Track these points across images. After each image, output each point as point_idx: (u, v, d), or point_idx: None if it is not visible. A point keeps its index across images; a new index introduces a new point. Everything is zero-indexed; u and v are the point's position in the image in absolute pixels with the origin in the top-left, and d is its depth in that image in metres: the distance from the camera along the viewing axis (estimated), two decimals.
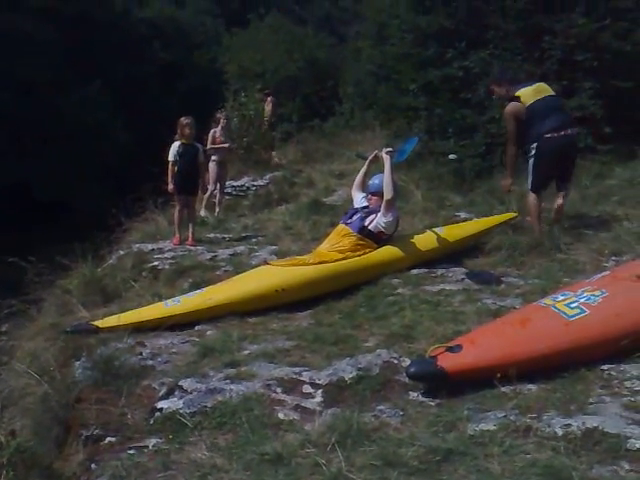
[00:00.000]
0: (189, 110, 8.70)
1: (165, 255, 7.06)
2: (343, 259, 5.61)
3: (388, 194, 5.88)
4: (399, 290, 5.50)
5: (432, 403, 3.45)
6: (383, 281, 5.81)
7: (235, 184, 11.28)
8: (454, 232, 6.37)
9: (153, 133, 12.81)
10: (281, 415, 3.41)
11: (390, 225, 5.90)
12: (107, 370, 3.95)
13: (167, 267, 6.59)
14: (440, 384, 3.50)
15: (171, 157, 7.73)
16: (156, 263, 6.72)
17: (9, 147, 17.80)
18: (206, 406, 3.48)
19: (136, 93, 23.81)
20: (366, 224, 5.84)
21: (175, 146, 7.74)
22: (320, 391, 3.67)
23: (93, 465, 3.15)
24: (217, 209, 9.76)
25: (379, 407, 3.41)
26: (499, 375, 3.46)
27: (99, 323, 4.76)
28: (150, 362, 4.26)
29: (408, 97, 10.48)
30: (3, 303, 4.81)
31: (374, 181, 6.18)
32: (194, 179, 7.87)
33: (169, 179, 7.70)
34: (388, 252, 5.86)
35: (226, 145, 9.90)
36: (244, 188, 11.24)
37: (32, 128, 18.50)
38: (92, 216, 7.82)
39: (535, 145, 6.29)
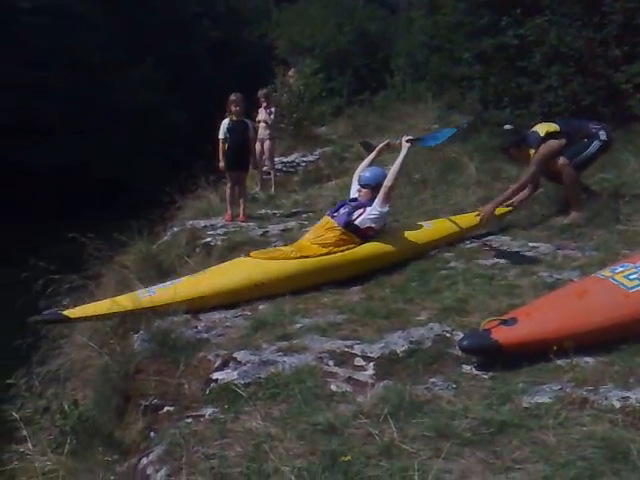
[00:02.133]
0: (240, 87, 8.72)
1: (217, 231, 7.17)
2: (326, 254, 5.27)
3: (390, 180, 5.50)
4: (452, 264, 5.43)
5: (485, 376, 3.41)
6: (435, 255, 5.76)
7: (285, 160, 11.31)
8: (446, 226, 5.97)
9: (204, 111, 12.92)
10: (333, 387, 3.43)
11: (380, 219, 5.50)
12: (164, 342, 4.06)
13: (219, 243, 6.68)
14: (494, 357, 3.45)
15: (221, 134, 7.79)
16: (209, 239, 6.83)
17: (66, 127, 18.28)
18: (260, 377, 3.53)
19: (187, 71, 24.04)
20: (353, 218, 5.45)
21: (225, 123, 7.80)
22: (372, 364, 3.68)
23: (152, 433, 3.24)
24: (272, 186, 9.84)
25: (431, 380, 3.39)
26: (555, 348, 3.39)
27: (69, 313, 4.47)
28: (205, 335, 4.34)
29: (461, 67, 10.23)
30: (64, 278, 4.97)
31: (365, 174, 5.79)
32: (244, 155, 7.92)
33: (220, 156, 7.77)
34: (373, 248, 5.47)
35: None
36: (294, 164, 11.26)
37: (88, 108, 18.94)
38: (147, 194, 7.98)
39: (604, 137, 6.04)
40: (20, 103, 17.75)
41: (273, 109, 10.06)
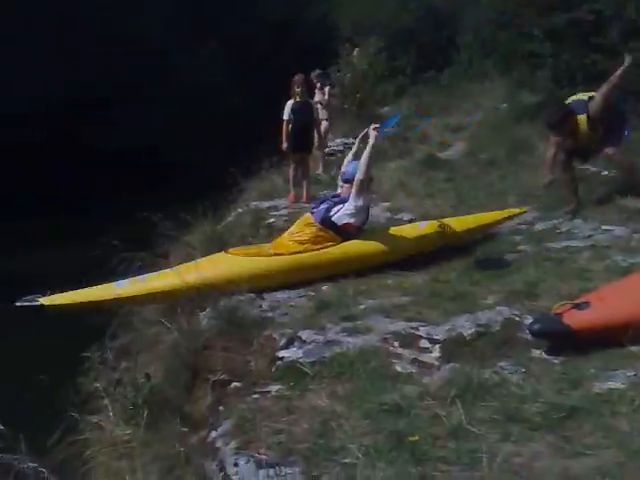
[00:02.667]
0: (300, 68, 8.70)
1: (280, 212, 7.23)
2: (300, 252, 5.03)
3: (361, 173, 5.16)
4: (521, 247, 5.31)
5: (556, 361, 3.33)
6: (503, 238, 5.64)
7: (347, 141, 11.23)
8: (442, 228, 5.50)
9: (266, 92, 12.98)
10: (398, 368, 3.41)
11: (357, 213, 5.18)
12: (231, 320, 4.13)
13: (282, 224, 6.73)
14: (565, 342, 3.36)
15: (285, 115, 7.82)
16: (272, 220, 6.91)
17: (129, 109, 18.70)
18: (325, 356, 3.55)
19: (248, 52, 24.15)
20: (331, 214, 5.18)
21: (289, 104, 7.82)
22: (438, 346, 3.64)
23: (221, 408, 3.32)
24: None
25: (500, 364, 3.33)
26: (628, 334, 3.27)
27: (44, 300, 4.34)
28: (270, 314, 4.40)
29: (532, 43, 9.89)
30: (135, 256, 5.10)
31: (347, 169, 5.51)
32: (308, 136, 7.93)
33: (284, 137, 7.80)
34: (352, 248, 5.13)
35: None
36: None
37: (151, 89, 19.31)
38: (212, 175, 8.09)
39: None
40: (86, 85, 18.25)
41: (327, 89, 10.00)
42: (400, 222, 6.48)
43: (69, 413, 3.36)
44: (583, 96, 5.98)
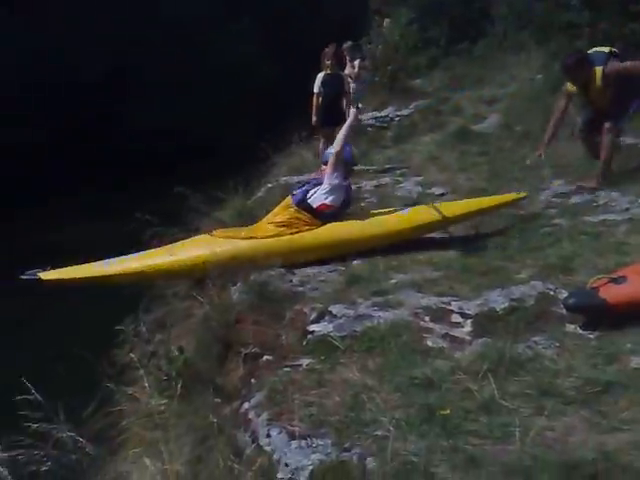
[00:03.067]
0: (333, 40, 8.60)
1: None
2: (274, 235, 4.89)
3: (336, 145, 5.01)
4: (556, 220, 5.21)
5: (591, 336, 3.27)
6: (537, 211, 5.54)
7: (378, 115, 11.11)
8: (426, 214, 5.17)
9: (297, 66, 12.88)
10: (430, 342, 3.40)
11: (332, 192, 5.00)
12: (261, 294, 4.15)
13: None
14: (600, 317, 3.30)
15: (316, 88, 7.74)
16: None
17: (162, 84, 18.76)
18: (355, 331, 3.55)
19: (279, 27, 23.98)
20: (307, 196, 5.02)
21: (319, 77, 7.74)
22: (470, 321, 3.61)
23: (252, 380, 3.35)
24: None
25: (533, 338, 3.28)
26: None
27: (43, 275, 4.54)
28: (300, 289, 4.41)
29: (569, 13, 9.59)
30: (167, 231, 5.15)
31: (329, 150, 5.34)
32: (338, 109, 7.85)
33: (314, 111, 7.74)
34: (328, 233, 4.94)
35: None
36: (387, 118, 11.03)
37: (184, 65, 19.34)
38: (242, 151, 8.11)
39: None
40: (117, 62, 18.35)
41: (357, 62, 9.86)
42: (431, 196, 6.43)
43: (105, 385, 3.43)
44: (604, 49, 5.82)
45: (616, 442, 2.35)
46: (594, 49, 5.92)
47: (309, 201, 5.02)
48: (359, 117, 5.30)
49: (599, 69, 5.67)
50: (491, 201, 5.47)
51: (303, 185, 5.27)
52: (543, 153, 6.05)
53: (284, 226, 4.94)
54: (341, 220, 5.05)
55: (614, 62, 5.66)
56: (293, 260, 4.78)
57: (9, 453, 2.21)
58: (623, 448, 2.32)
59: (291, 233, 4.92)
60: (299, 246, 4.86)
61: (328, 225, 4.98)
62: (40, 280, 4.55)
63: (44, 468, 2.26)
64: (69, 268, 4.68)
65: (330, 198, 5.01)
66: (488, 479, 2.21)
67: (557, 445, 2.37)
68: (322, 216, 5.00)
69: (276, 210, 5.13)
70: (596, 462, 2.21)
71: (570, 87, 5.95)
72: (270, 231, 4.94)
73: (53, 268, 4.62)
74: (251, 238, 4.89)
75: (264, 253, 4.70)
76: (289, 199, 5.12)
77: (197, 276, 4.73)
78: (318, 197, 5.01)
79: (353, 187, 5.78)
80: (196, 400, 3.27)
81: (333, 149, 5.06)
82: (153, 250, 4.90)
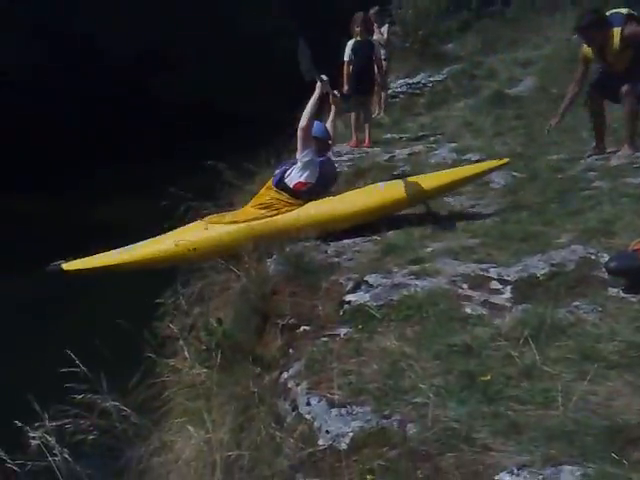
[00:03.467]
0: (362, 6, 8.45)
1: (343, 158, 7.16)
2: (255, 218, 4.81)
3: (303, 120, 4.89)
4: (595, 183, 5.09)
5: (634, 299, 3.19)
6: (576, 175, 5.41)
7: (410, 81, 10.94)
8: (403, 188, 4.96)
9: (327, 34, 12.71)
10: (468, 310, 3.35)
11: (305, 169, 4.90)
12: (297, 265, 4.16)
13: (345, 169, 6.68)
14: None
15: (346, 56, 7.64)
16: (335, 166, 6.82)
17: (192, 62, 18.76)
18: (392, 299, 3.53)
19: None
20: (285, 175, 4.96)
21: (349, 44, 7.63)
22: (509, 287, 3.55)
23: (291, 350, 3.37)
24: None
25: (574, 303, 3.22)
26: None
27: (65, 265, 4.71)
28: (336, 259, 4.40)
29: None
30: (201, 206, 5.20)
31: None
32: (369, 77, 7.74)
33: (344, 79, 7.65)
34: (307, 212, 4.83)
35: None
36: (420, 85, 10.86)
37: (209, 35, 19.26)
38: (274, 123, 8.06)
39: None
40: (149, 38, 18.38)
41: (385, 28, 9.68)
42: (467, 163, 6.33)
43: (147, 356, 3.50)
44: (622, 10, 5.60)
45: None
46: (612, 10, 5.69)
47: (286, 181, 4.94)
48: (325, 90, 5.08)
49: (617, 30, 5.46)
50: (470, 170, 5.26)
51: (283, 165, 5.20)
52: (555, 124, 5.88)
53: (265, 208, 4.87)
54: (318, 198, 4.93)
55: (633, 24, 5.44)
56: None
57: (56, 422, 2.28)
58: None
59: (271, 215, 4.84)
60: (280, 227, 4.77)
61: (307, 204, 4.89)
62: (62, 270, 4.69)
63: (91, 437, 2.32)
64: (89, 258, 4.81)
65: (304, 175, 4.91)
66: (530, 444, 2.19)
67: (600, 410, 2.33)
68: (301, 195, 4.90)
69: (260, 192, 5.07)
70: None
71: (586, 51, 5.75)
72: (252, 214, 4.86)
73: (81, 252, 4.76)
74: (235, 222, 4.83)
75: (245, 237, 4.64)
76: (270, 180, 5.05)
77: (194, 262, 4.75)
78: (293, 176, 4.94)
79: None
80: (236, 370, 3.32)
81: (300, 124, 4.90)
82: (158, 237, 4.92)
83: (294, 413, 2.80)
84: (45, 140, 13.76)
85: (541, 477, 2.04)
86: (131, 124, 15.45)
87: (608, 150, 5.87)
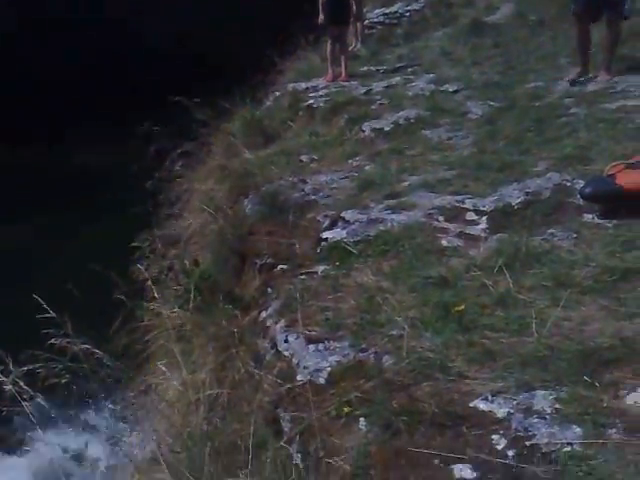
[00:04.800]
0: None
1: (319, 93, 7.01)
2: None
3: None
4: (572, 110, 5.03)
5: (609, 224, 3.20)
6: (553, 102, 5.34)
7: (387, 11, 10.63)
8: None
9: None
10: (444, 242, 3.36)
11: None
12: (273, 205, 4.12)
13: (322, 105, 6.55)
14: (618, 204, 3.22)
15: None
16: (311, 101, 6.71)
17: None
18: (369, 235, 3.52)
19: None
20: None
21: None
22: (485, 218, 3.55)
23: (269, 289, 3.37)
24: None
25: (550, 231, 3.22)
26: None
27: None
28: (312, 197, 4.35)
29: None
30: (176, 145, 5.06)
31: None
32: (345, 7, 7.50)
33: (319, 9, 7.40)
34: None
35: None
36: (397, 15, 10.56)
37: None
38: (247, 59, 7.85)
39: None
40: None
41: None
42: (445, 93, 6.23)
43: (125, 301, 3.48)
44: None
45: (634, 327, 2.33)
46: None
47: None
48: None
49: None
50: None
51: None
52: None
53: None
54: None
55: None
56: None
57: (27, 367, 2.27)
58: None
59: None
60: None
61: None
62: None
63: (67, 382, 2.32)
64: None
65: None
66: (504, 371, 2.22)
67: (574, 335, 2.35)
68: None
69: None
70: (613, 348, 2.20)
71: None
72: None
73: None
74: None
75: None
76: None
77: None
78: None
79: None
80: (215, 312, 3.32)
81: None
82: None
83: (273, 351, 2.82)
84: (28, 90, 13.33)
85: (515, 402, 2.07)
86: (113, 71, 14.97)
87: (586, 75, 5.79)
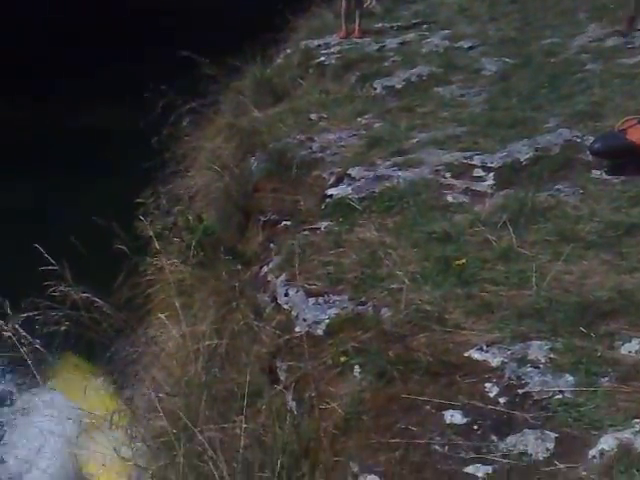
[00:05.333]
0: None
1: (331, 50, 6.87)
2: None
3: None
4: (588, 66, 4.90)
5: (616, 180, 3.14)
6: (569, 58, 5.20)
7: None
8: None
9: None
10: (450, 198, 3.32)
11: None
12: (280, 162, 4.08)
13: (334, 62, 6.43)
14: (627, 160, 3.14)
15: None
16: (322, 59, 6.58)
17: None
18: (374, 192, 3.48)
19: None
20: None
21: None
22: (492, 174, 3.50)
23: (271, 245, 3.37)
24: None
25: (556, 187, 3.18)
26: None
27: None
28: (319, 154, 4.29)
29: None
30: (184, 102, 4.99)
31: None
32: None
33: None
34: None
35: None
36: None
37: None
38: (259, 15, 7.69)
39: None
40: None
41: None
42: (460, 50, 6.10)
43: (130, 256, 3.48)
44: None
45: (635, 281, 2.30)
46: None
47: None
48: None
49: None
50: None
51: None
52: None
53: None
54: None
55: None
56: None
57: (27, 314, 2.29)
58: None
59: None
60: None
61: None
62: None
63: (63, 328, 2.34)
64: None
65: None
66: (502, 322, 2.20)
67: (573, 288, 2.33)
68: None
69: None
70: (612, 301, 2.17)
71: None
72: None
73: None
74: None
75: None
76: None
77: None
78: None
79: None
80: (217, 266, 3.32)
81: None
82: None
83: (273, 304, 2.83)
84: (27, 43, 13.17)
85: (510, 352, 2.06)
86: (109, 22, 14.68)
87: (605, 30, 5.60)
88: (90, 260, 3.20)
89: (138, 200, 3.52)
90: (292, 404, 2.19)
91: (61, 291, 2.35)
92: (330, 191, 3.66)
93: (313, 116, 5.21)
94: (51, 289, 2.41)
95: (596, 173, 3.24)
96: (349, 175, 3.78)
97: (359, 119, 4.93)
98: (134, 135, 4.71)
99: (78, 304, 2.39)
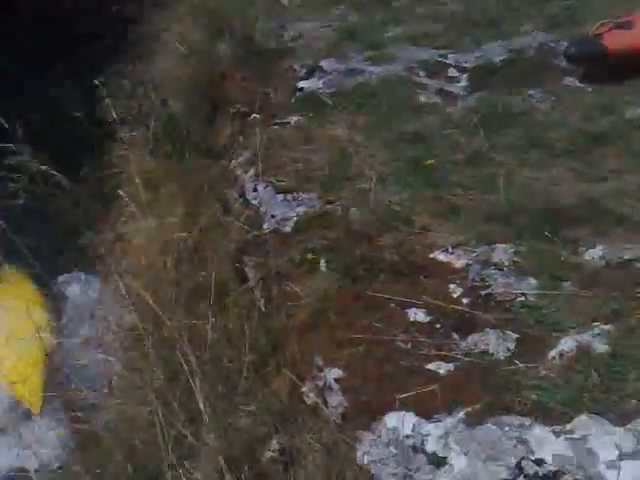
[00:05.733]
0: None
1: None
2: None
3: None
4: None
5: (589, 89, 3.13)
6: None
7: None
8: None
9: None
10: (422, 98, 3.27)
11: None
12: (250, 49, 3.93)
13: None
14: (601, 67, 3.12)
15: None
16: None
17: None
18: (346, 87, 3.41)
19: None
20: None
21: None
22: (466, 75, 3.46)
23: (241, 138, 3.30)
24: None
25: (530, 92, 3.15)
26: None
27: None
28: (291, 44, 4.15)
29: None
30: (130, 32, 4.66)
31: None
32: None
33: None
34: None
35: None
36: None
37: None
38: None
39: None
40: None
41: None
42: None
43: (93, 143, 3.36)
44: None
45: (601, 190, 2.34)
46: None
47: None
48: None
49: None
50: None
51: None
52: None
53: None
54: None
55: None
56: None
57: None
58: (607, 195, 2.31)
59: None
60: None
61: None
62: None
63: (20, 201, 2.26)
64: None
65: None
66: (467, 225, 2.25)
67: (541, 194, 2.37)
68: None
69: None
70: (578, 207, 2.23)
71: None
72: None
73: None
74: None
75: None
76: None
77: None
78: None
79: None
80: (186, 161, 3.26)
81: None
82: None
83: (241, 200, 2.82)
84: None
85: (474, 255, 2.12)
86: None
87: None
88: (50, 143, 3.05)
89: (98, 79, 3.26)
90: (260, 301, 2.23)
91: (18, 161, 2.21)
92: (301, 84, 3.56)
93: (285, 1, 5.01)
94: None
95: (569, 80, 3.21)
96: (321, 67, 3.67)
97: (333, 9, 4.75)
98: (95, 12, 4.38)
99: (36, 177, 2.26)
